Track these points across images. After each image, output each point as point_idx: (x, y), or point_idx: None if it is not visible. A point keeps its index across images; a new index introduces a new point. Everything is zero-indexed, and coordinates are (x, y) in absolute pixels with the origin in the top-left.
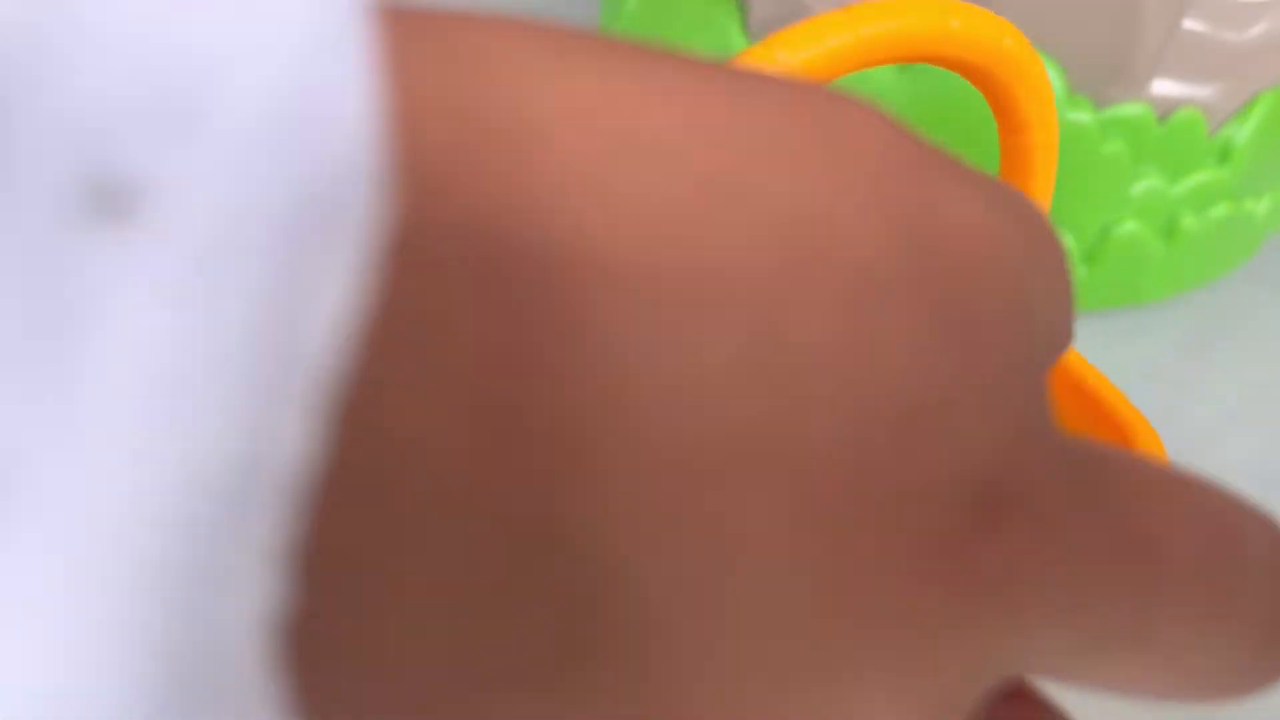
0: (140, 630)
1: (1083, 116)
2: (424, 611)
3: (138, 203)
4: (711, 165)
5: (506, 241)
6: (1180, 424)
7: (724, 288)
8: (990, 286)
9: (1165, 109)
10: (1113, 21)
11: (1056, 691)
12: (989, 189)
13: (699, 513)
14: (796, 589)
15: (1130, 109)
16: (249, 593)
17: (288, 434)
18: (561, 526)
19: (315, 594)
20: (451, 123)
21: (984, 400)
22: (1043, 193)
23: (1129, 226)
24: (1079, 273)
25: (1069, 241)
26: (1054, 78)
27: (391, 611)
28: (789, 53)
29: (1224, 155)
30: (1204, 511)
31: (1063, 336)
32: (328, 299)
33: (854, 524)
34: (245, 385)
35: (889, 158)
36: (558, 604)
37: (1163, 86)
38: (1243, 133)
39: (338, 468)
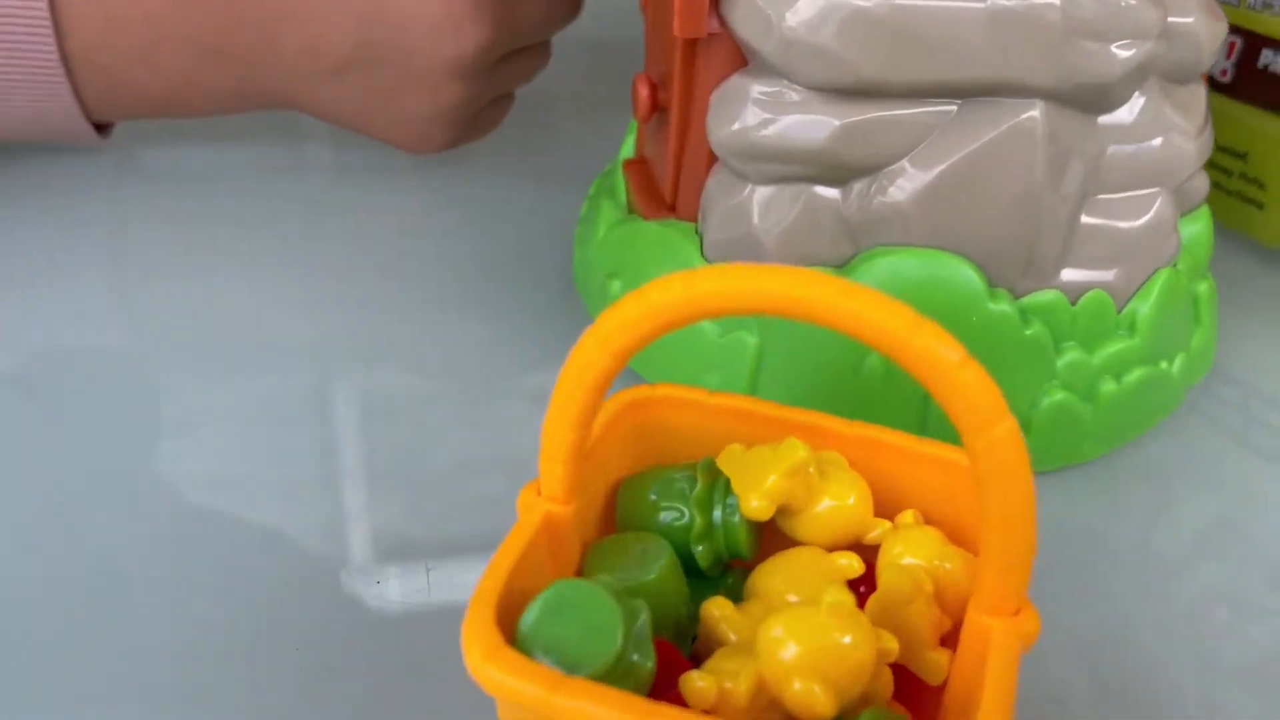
0: None
1: (1004, 307)
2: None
3: None
4: None
5: None
6: (1149, 556)
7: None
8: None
9: (1075, 294)
10: (1021, 226)
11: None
12: None
13: (318, 95)
14: (354, 107)
15: (1045, 296)
16: None
17: None
18: (257, 86)
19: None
20: None
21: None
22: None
23: (1058, 396)
24: None
25: None
26: (974, 275)
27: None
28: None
29: (1132, 327)
30: None
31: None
32: None
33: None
34: None
35: None
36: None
37: (1070, 275)
38: (1146, 306)
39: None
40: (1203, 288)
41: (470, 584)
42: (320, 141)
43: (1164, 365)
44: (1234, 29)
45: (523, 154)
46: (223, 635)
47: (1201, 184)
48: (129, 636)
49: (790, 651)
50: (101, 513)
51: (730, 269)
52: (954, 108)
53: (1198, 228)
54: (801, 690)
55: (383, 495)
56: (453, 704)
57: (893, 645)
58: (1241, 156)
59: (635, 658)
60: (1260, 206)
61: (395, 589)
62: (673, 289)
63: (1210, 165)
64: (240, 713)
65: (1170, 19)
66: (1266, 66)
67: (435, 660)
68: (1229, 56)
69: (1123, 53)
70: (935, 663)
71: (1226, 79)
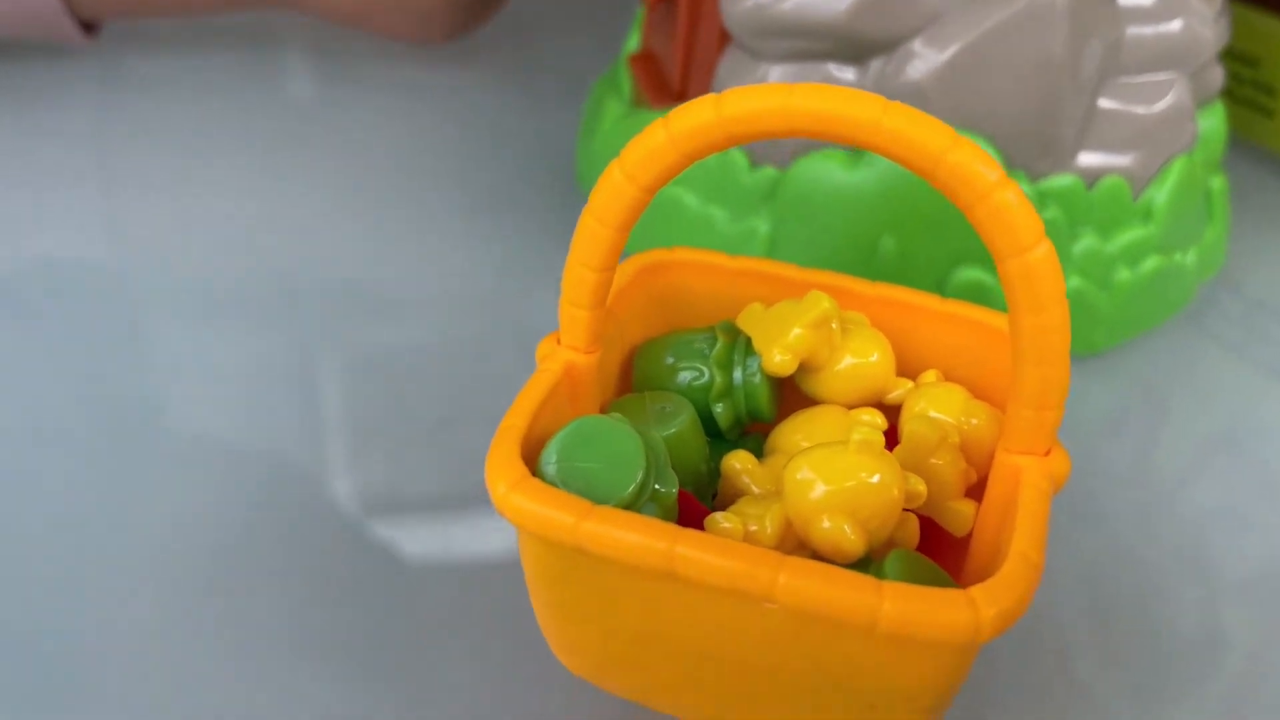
0: None
1: (1022, 189)
2: None
3: None
4: None
5: None
6: (1149, 474)
7: None
8: None
9: (1092, 178)
10: (1039, 105)
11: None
12: None
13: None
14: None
15: (1062, 180)
16: None
17: None
18: None
19: None
20: None
21: None
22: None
23: (1073, 282)
24: None
25: None
26: (990, 148)
27: None
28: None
29: (1148, 215)
30: None
31: None
32: None
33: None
34: None
35: None
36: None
37: (1088, 159)
38: (1162, 194)
39: None
40: (1216, 182)
41: (460, 539)
42: (302, 48)
43: (1178, 256)
44: None
45: (516, 55)
46: (201, 579)
47: (1217, 75)
48: (107, 579)
49: (819, 490)
50: (77, 435)
51: (761, 89)
52: None
53: (1213, 121)
54: (831, 528)
55: (376, 433)
56: (443, 658)
57: (920, 487)
58: (1253, 63)
59: (658, 486)
60: (1270, 114)
61: (381, 540)
62: (702, 111)
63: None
64: (219, 659)
65: None
66: None
67: (425, 611)
68: None
69: None
70: (961, 513)
71: None
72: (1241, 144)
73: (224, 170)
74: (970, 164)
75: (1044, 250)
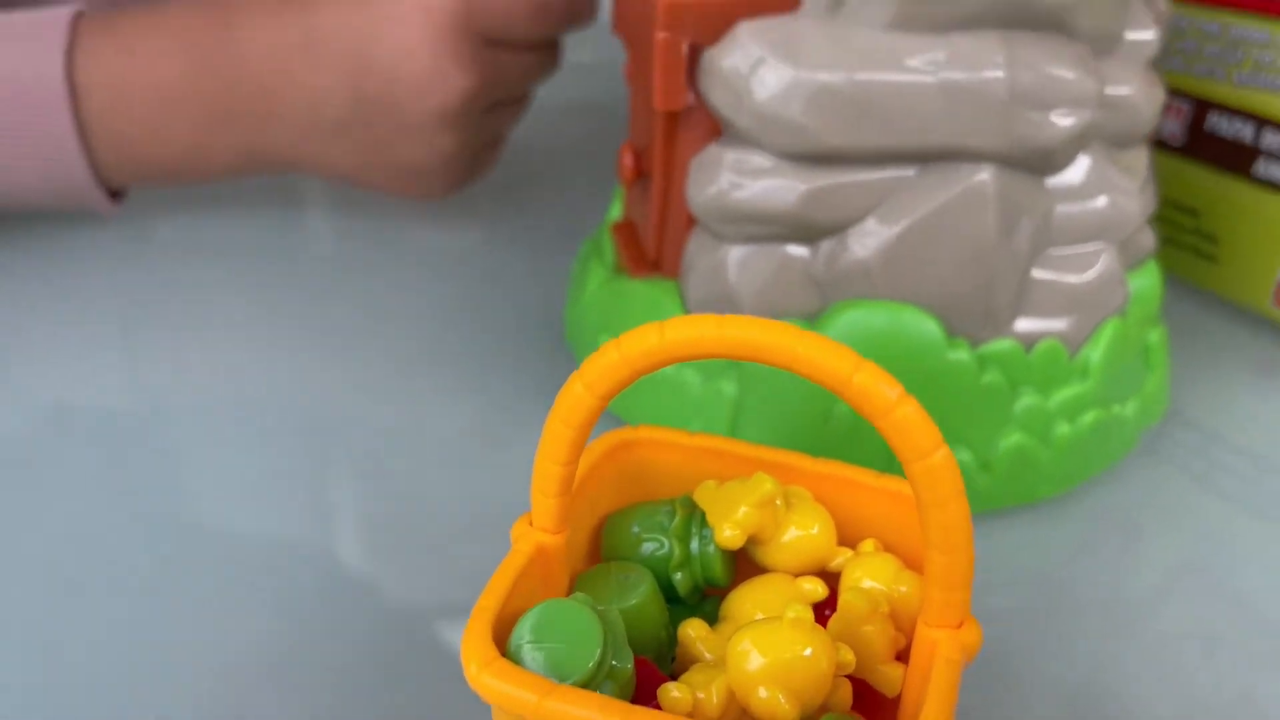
0: None
1: (963, 355)
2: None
3: None
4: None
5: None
6: (1120, 597)
7: (323, 65)
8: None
9: (1030, 342)
10: (976, 279)
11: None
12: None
13: (318, 152)
14: (354, 161)
15: (1001, 345)
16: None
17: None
18: (263, 150)
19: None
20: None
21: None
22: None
23: (1015, 438)
24: (981, 480)
25: (966, 455)
26: (934, 326)
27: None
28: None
29: (1085, 373)
30: None
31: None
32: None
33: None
34: None
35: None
36: (262, 160)
37: (1025, 324)
38: (1096, 353)
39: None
40: (1154, 336)
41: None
42: (320, 208)
43: (1116, 408)
44: (1183, 95)
45: (514, 217)
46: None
47: (1147, 239)
48: (139, 686)
49: (756, 663)
50: (121, 557)
51: (698, 319)
52: (912, 172)
53: (1146, 280)
54: (768, 698)
55: (382, 554)
56: None
57: (849, 658)
58: (1194, 213)
59: (615, 663)
60: (1213, 260)
61: (393, 643)
62: (648, 337)
63: (1165, 221)
64: None
65: (1108, 89)
66: (1214, 130)
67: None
68: (1180, 120)
69: (1063, 121)
70: (890, 676)
71: (1178, 141)
72: (1190, 288)
73: (240, 318)
74: (874, 385)
75: (942, 455)
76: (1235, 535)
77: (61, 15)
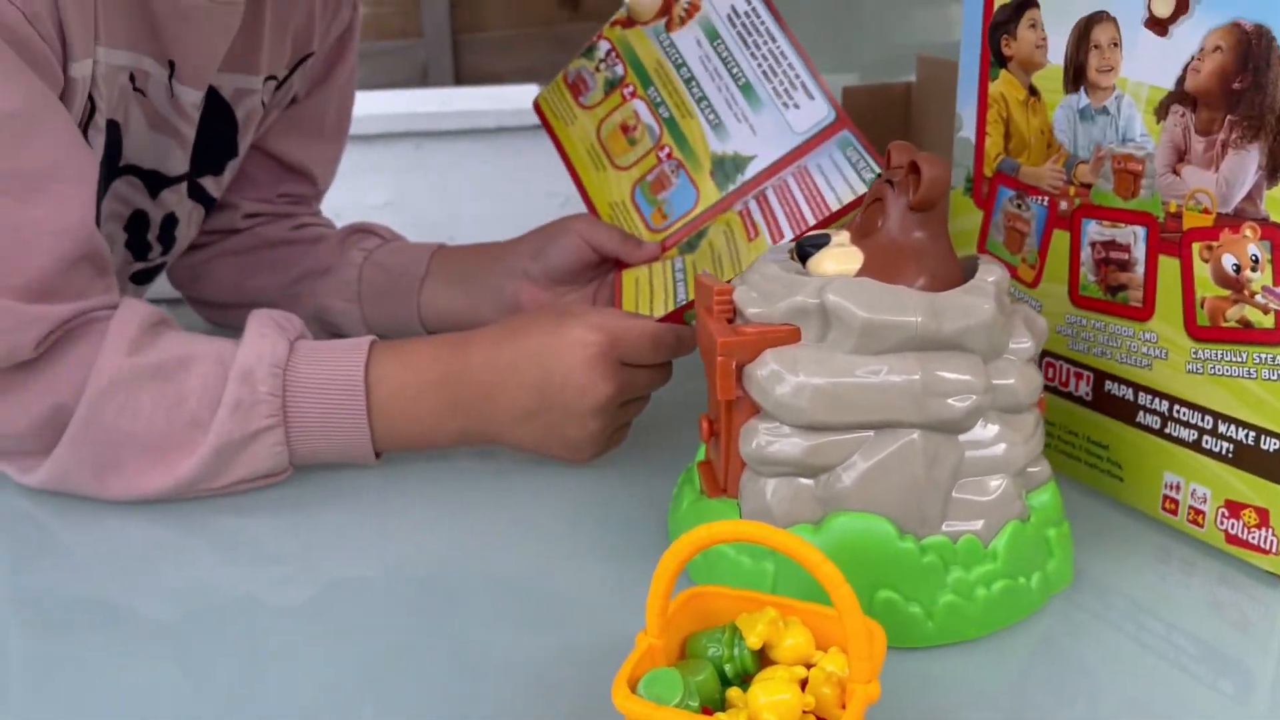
0: None
1: (910, 545)
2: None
3: None
4: (525, 352)
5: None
6: (1029, 703)
7: (522, 376)
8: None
9: (956, 537)
10: (914, 499)
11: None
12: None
13: (513, 433)
14: (535, 438)
15: (936, 539)
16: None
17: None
18: (478, 429)
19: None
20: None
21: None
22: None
23: (948, 598)
24: (926, 625)
25: (916, 608)
26: (890, 528)
27: (411, 426)
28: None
29: (995, 556)
30: None
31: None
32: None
33: (548, 435)
34: None
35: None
36: (476, 436)
37: (951, 526)
38: (1001, 544)
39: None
40: (1053, 533)
41: None
42: (470, 453)
43: (1022, 580)
44: (1087, 367)
45: (637, 457)
46: None
47: (1042, 472)
48: None
49: (763, 701)
50: None
51: (733, 524)
52: (871, 434)
53: (1045, 497)
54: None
55: (547, 668)
56: None
57: (811, 701)
58: (1105, 447)
59: (691, 703)
60: (1120, 479)
61: None
62: (700, 532)
63: (1086, 452)
64: None
65: (996, 380)
66: (1109, 391)
67: None
68: (1087, 384)
69: (959, 404)
70: (838, 715)
71: (1088, 398)
72: (1106, 498)
73: (420, 511)
74: (831, 574)
75: (846, 588)
76: (1130, 663)
77: (364, 341)
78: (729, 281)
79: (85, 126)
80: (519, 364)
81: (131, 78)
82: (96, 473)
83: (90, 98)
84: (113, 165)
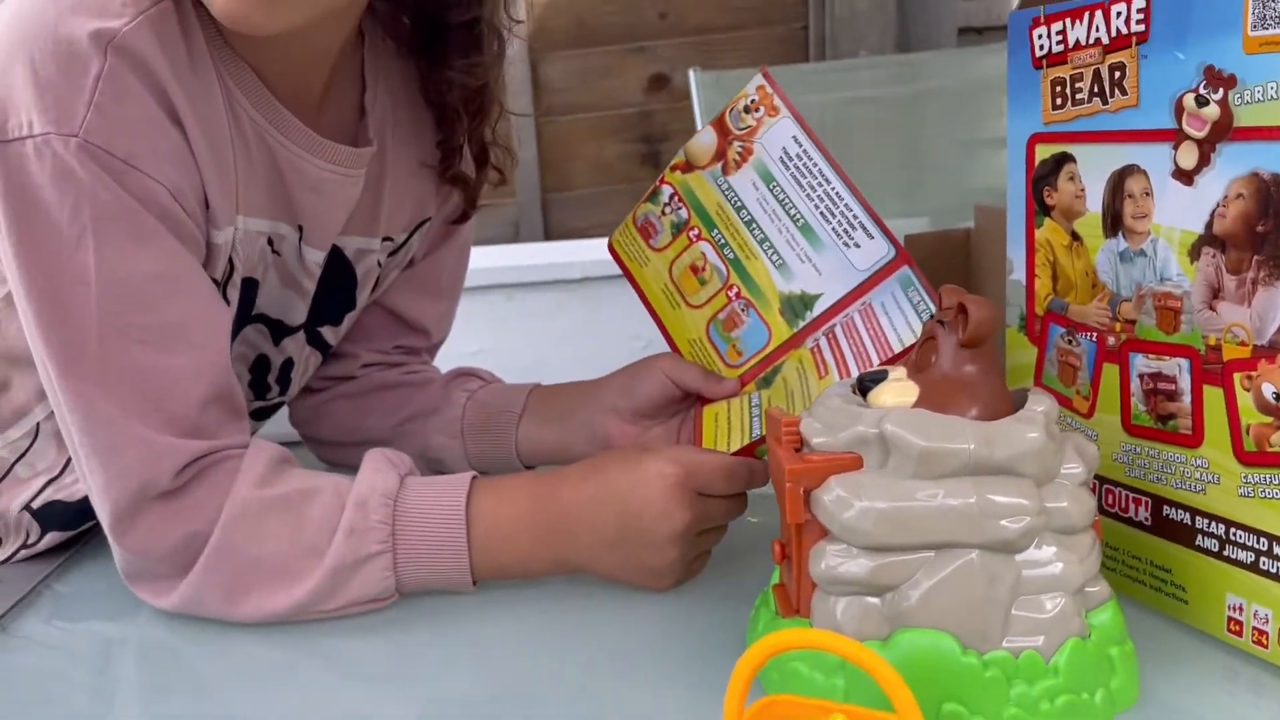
0: None
1: (973, 660)
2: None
3: None
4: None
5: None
6: None
7: (605, 508)
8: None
9: (1017, 652)
10: (977, 616)
11: None
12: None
13: (598, 562)
14: (619, 567)
15: (998, 654)
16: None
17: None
18: (567, 559)
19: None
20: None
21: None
22: None
23: (1012, 711)
24: None
25: None
26: (954, 643)
27: (507, 555)
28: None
29: (1056, 673)
30: None
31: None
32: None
33: (631, 563)
34: None
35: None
36: (565, 565)
37: (1012, 641)
38: (1063, 660)
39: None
40: (1115, 651)
41: None
42: (560, 579)
43: (1085, 696)
44: (1145, 493)
45: (717, 586)
46: None
47: (1102, 591)
48: None
49: None
50: None
51: (802, 632)
52: (932, 554)
53: (1105, 616)
54: None
55: None
56: None
57: None
58: (1168, 570)
59: None
60: (1185, 602)
61: None
62: (770, 640)
63: (1150, 575)
64: None
65: (1049, 503)
66: (1168, 516)
67: None
68: (1146, 509)
69: (1013, 525)
70: None
71: (1148, 523)
72: (1173, 620)
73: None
74: (888, 675)
75: (910, 701)
76: None
77: (466, 477)
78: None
79: (225, 284)
80: (602, 496)
81: (269, 241)
82: (226, 596)
83: (230, 260)
84: (245, 315)
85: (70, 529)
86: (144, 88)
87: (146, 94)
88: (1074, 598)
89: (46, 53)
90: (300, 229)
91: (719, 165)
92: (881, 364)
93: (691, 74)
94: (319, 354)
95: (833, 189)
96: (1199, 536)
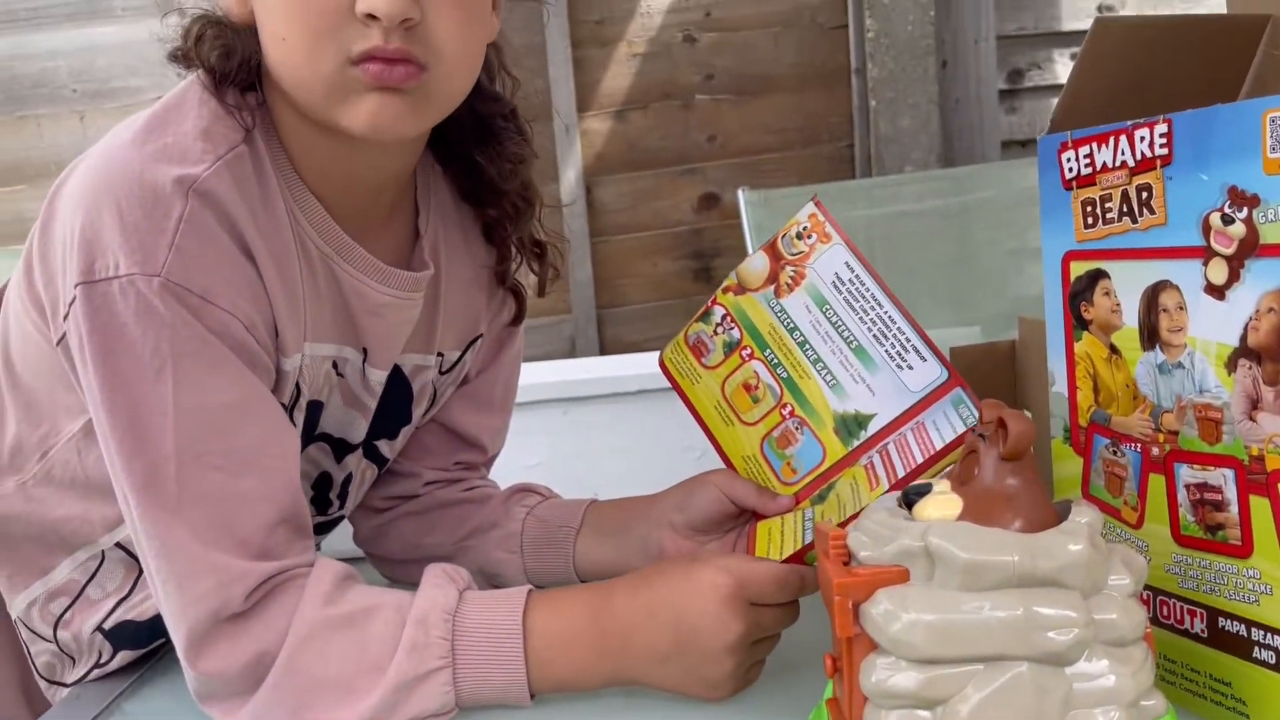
0: None
1: None
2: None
3: None
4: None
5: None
6: None
7: (659, 620)
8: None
9: None
10: None
11: None
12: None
13: (653, 674)
14: (674, 679)
15: None
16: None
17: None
18: (622, 671)
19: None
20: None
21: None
22: None
23: None
24: None
25: None
26: None
27: (563, 668)
28: None
29: None
30: None
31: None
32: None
33: (686, 675)
34: None
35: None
36: (621, 678)
37: None
38: None
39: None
40: None
41: None
42: (616, 692)
43: None
44: (1200, 604)
45: (771, 697)
46: None
47: (1158, 705)
48: None
49: None
50: None
51: None
52: (981, 667)
53: None
54: None
55: None
56: None
57: None
58: (1227, 684)
59: None
60: (1246, 716)
61: None
62: None
63: (1209, 689)
64: None
65: (1098, 615)
66: (1224, 628)
67: None
68: (1202, 621)
69: (1060, 638)
70: None
71: (1205, 635)
72: None
73: None
74: None
75: None
76: None
77: (522, 591)
78: (840, 525)
79: (292, 407)
80: (655, 607)
81: (334, 364)
82: (293, 712)
83: (297, 384)
84: (309, 434)
85: (141, 647)
86: (221, 228)
87: (223, 233)
88: (1128, 711)
89: (133, 198)
90: (365, 351)
91: (771, 288)
92: (926, 462)
93: (740, 193)
94: (375, 467)
95: (885, 312)
96: (1255, 649)
